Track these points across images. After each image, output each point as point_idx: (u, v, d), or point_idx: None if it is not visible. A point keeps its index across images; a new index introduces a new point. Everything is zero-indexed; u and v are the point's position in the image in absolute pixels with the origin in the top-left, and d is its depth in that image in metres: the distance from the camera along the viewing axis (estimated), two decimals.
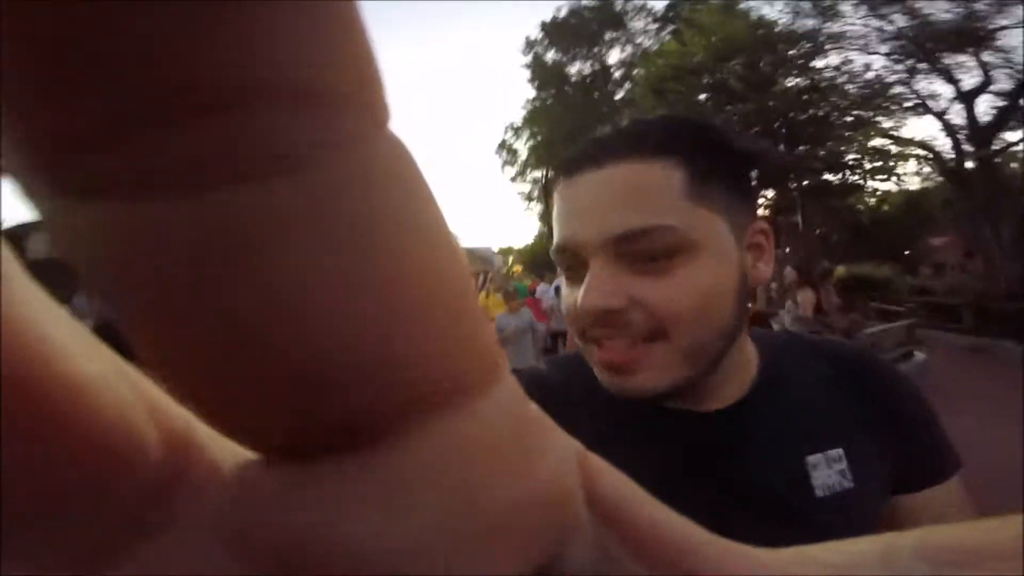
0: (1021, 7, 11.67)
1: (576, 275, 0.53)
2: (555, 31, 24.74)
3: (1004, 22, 12.39)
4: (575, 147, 0.55)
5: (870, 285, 13.73)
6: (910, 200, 20.34)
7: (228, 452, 0.11)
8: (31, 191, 0.08)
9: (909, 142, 14.27)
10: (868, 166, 14.56)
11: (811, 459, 0.54)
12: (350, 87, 0.08)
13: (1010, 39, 15.17)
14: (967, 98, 13.30)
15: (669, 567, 0.11)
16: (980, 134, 13.12)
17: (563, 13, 24.59)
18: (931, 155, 14.04)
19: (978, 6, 12.50)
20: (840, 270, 16.75)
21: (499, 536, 0.10)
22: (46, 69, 0.07)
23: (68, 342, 0.08)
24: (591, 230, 0.50)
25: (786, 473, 0.54)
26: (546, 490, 0.11)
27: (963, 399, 5.22)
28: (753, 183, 0.56)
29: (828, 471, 0.54)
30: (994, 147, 13.37)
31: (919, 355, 6.89)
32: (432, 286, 0.09)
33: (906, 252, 20.84)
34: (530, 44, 25.57)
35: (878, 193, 16.02)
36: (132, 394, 0.09)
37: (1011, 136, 13.48)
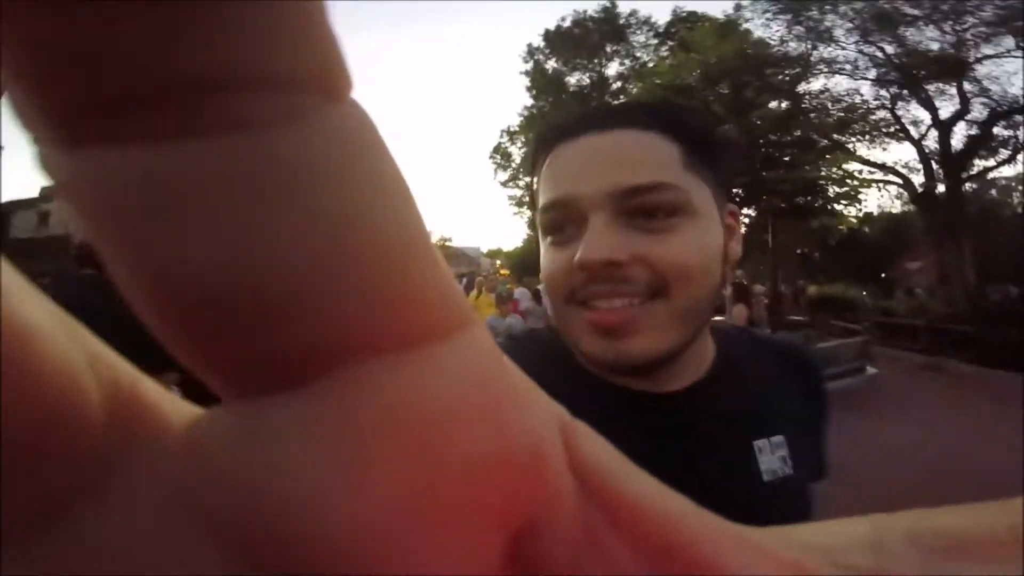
0: (1011, 37, 12.14)
1: (566, 235, 0.54)
2: (558, 40, 25.09)
3: (989, 51, 12.87)
4: (572, 114, 0.58)
5: (839, 304, 14.17)
6: (891, 224, 20.85)
7: (182, 411, 0.11)
8: (38, 143, 0.09)
9: (881, 167, 14.74)
10: (832, 191, 15.03)
11: (757, 444, 0.57)
12: (310, 69, 0.09)
13: (992, 68, 15.69)
14: (943, 126, 13.77)
15: (651, 540, 0.11)
16: (951, 162, 13.59)
17: (567, 23, 25.02)
18: (901, 181, 14.50)
19: (966, 35, 12.99)
20: (813, 289, 17.27)
21: (469, 495, 0.10)
22: (35, 54, 0.08)
23: (11, 289, 0.08)
24: (595, 184, 0.51)
25: (736, 456, 0.56)
26: (519, 446, 0.10)
27: (909, 410, 5.88)
28: (726, 170, 0.59)
29: (772, 456, 0.57)
30: (966, 174, 13.83)
31: (871, 370, 7.45)
32: (377, 231, 0.09)
33: (883, 275, 21.33)
34: (532, 52, 25.89)
35: (851, 216, 16.46)
36: (74, 348, 0.09)
37: (988, 163, 13.95)
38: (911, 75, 13.32)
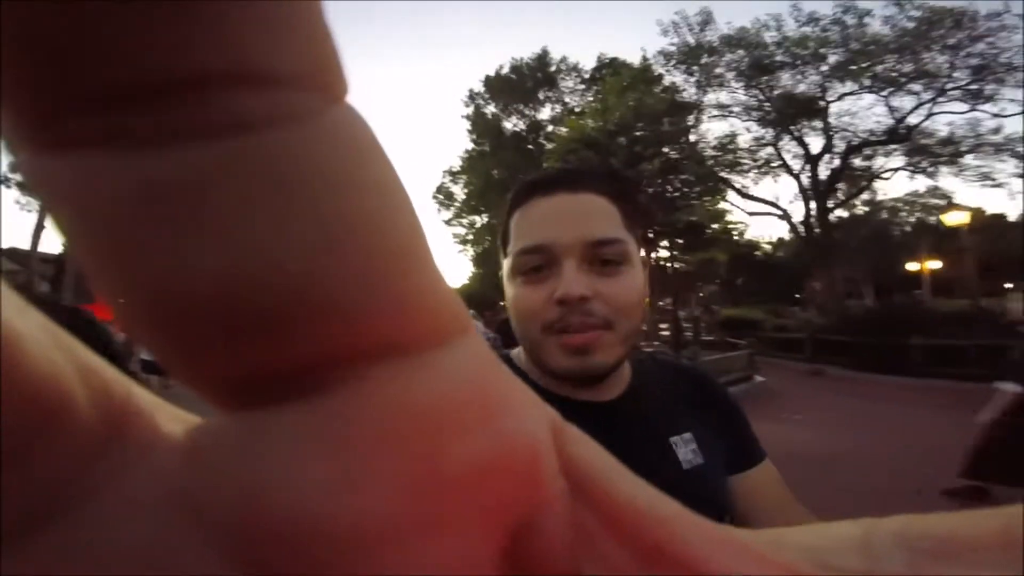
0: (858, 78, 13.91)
1: (541, 276, 0.67)
2: (496, 85, 26.71)
3: (843, 90, 14.63)
4: (546, 172, 0.75)
5: (743, 324, 15.62)
6: (798, 248, 22.58)
7: (179, 419, 0.11)
8: (8, 142, 0.08)
9: (762, 201, 16.38)
10: (710, 229, 16.57)
11: (672, 439, 0.72)
12: (306, 68, 0.09)
13: (850, 105, 17.53)
14: (812, 161, 15.50)
15: (643, 541, 0.11)
16: (819, 193, 15.28)
17: (505, 69, 26.70)
18: (780, 213, 16.13)
19: (815, 78, 14.81)
20: (724, 312, 18.74)
21: (465, 501, 0.10)
22: (26, 45, 0.08)
23: None
24: (572, 234, 0.66)
25: (659, 449, 0.71)
26: (515, 449, 0.10)
27: (790, 410, 7.08)
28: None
29: (685, 449, 0.72)
30: (832, 203, 15.53)
31: (758, 378, 8.81)
32: (377, 236, 0.09)
33: (796, 295, 22.97)
34: (472, 96, 27.53)
35: (745, 245, 18.06)
36: (61, 358, 0.09)
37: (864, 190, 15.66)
38: (783, 116, 15.07)
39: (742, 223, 17.20)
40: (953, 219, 13.47)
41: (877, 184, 16.25)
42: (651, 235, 14.99)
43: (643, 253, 0.73)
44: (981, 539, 0.10)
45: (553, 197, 0.69)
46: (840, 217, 17.51)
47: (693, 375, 0.85)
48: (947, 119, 14.79)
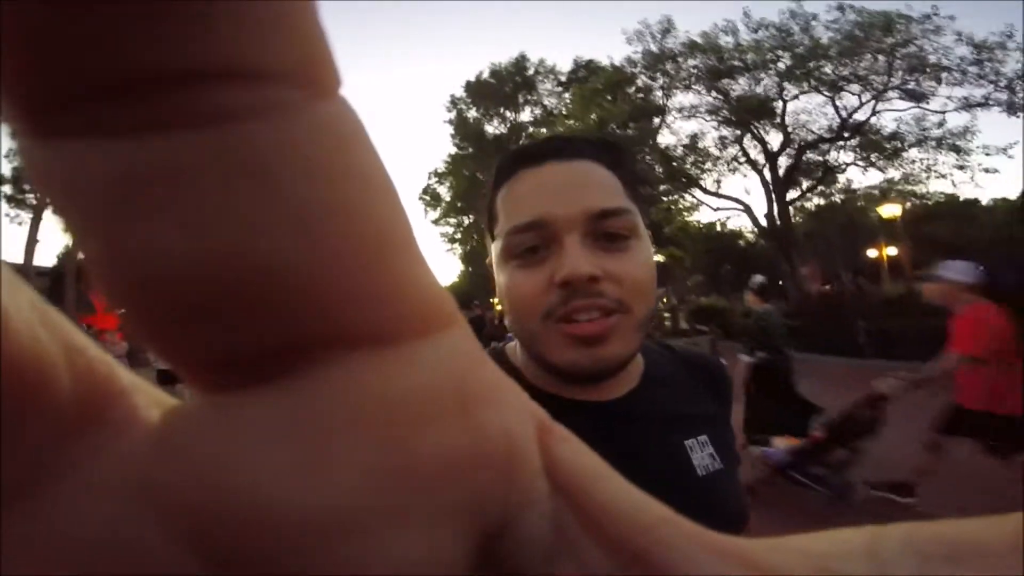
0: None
1: (538, 257, 0.58)
2: (476, 91, 27.39)
3: (795, 91, 15.47)
4: (532, 142, 0.65)
5: (713, 312, 16.51)
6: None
7: (157, 402, 0.11)
8: (15, 133, 0.09)
9: (728, 198, 17.25)
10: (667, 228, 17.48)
11: (688, 442, 0.63)
12: (293, 64, 0.09)
13: (806, 104, 18.34)
14: (771, 158, 16.36)
15: (624, 543, 0.11)
16: (778, 188, 16.15)
17: (486, 74, 27.41)
18: (743, 208, 17.01)
19: (769, 81, 15.65)
20: (702, 300, 19.63)
21: (436, 494, 0.10)
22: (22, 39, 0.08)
23: None
24: (570, 207, 0.56)
25: (673, 455, 0.61)
26: (492, 444, 0.10)
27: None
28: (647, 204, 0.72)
29: (701, 453, 0.62)
30: (790, 198, 16.40)
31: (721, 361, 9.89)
32: (360, 227, 0.09)
33: (779, 282, 23.88)
34: (455, 102, 28.20)
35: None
36: (47, 335, 0.09)
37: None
38: (741, 116, 15.93)
39: (726, 216, 18.05)
40: (888, 211, 14.41)
41: (853, 175, 17.06)
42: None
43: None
44: (988, 543, 0.10)
45: (544, 167, 0.60)
46: (818, 206, 18.43)
47: (709, 367, 0.75)
48: (895, 115, 15.56)
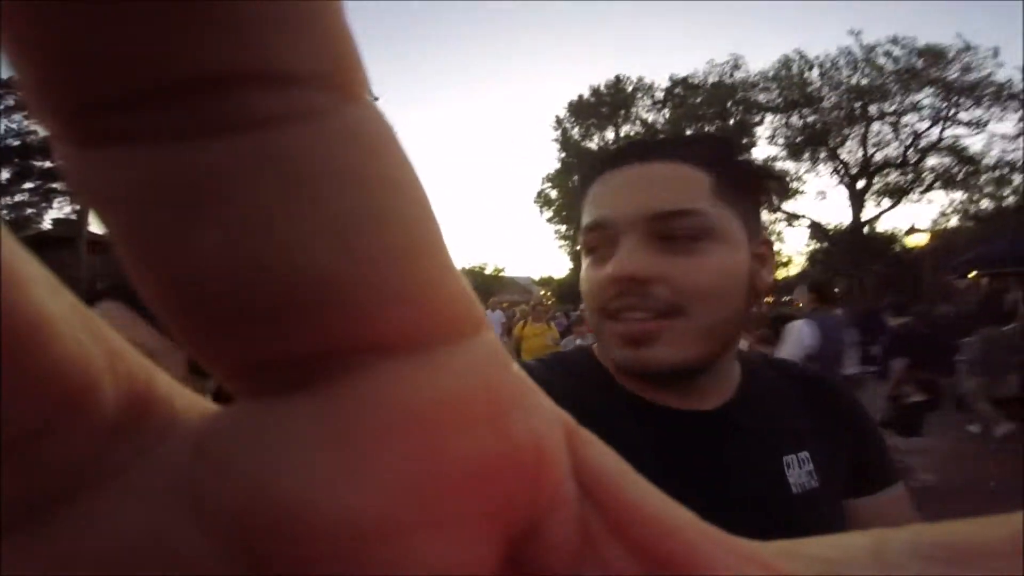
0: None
1: (603, 255, 0.60)
2: (578, 110, 29.99)
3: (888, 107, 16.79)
4: (620, 144, 0.84)
5: None
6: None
7: (196, 407, 0.11)
8: (52, 140, 0.09)
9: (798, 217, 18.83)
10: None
11: (786, 458, 0.60)
12: (322, 67, 0.09)
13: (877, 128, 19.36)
14: (852, 180, 17.81)
15: (648, 548, 0.11)
16: (855, 208, 17.62)
17: (587, 94, 29.89)
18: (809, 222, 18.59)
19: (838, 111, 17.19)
20: None
21: (469, 498, 0.10)
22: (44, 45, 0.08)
23: (28, 279, 0.08)
24: (629, 208, 0.58)
25: (766, 471, 0.59)
26: (521, 449, 0.10)
27: None
28: (763, 202, 0.65)
29: (799, 471, 0.60)
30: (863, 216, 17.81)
31: None
32: (395, 234, 0.09)
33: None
34: (559, 121, 31.00)
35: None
36: (90, 341, 0.09)
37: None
38: (815, 143, 17.58)
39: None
40: (913, 240, 15.70)
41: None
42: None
43: (745, 230, 0.61)
44: (993, 545, 0.10)
45: (622, 170, 0.61)
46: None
47: (819, 383, 0.72)
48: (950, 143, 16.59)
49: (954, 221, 17.62)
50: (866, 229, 17.84)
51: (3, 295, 0.08)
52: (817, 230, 18.38)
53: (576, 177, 28.49)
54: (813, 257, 18.17)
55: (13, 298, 0.08)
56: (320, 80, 0.09)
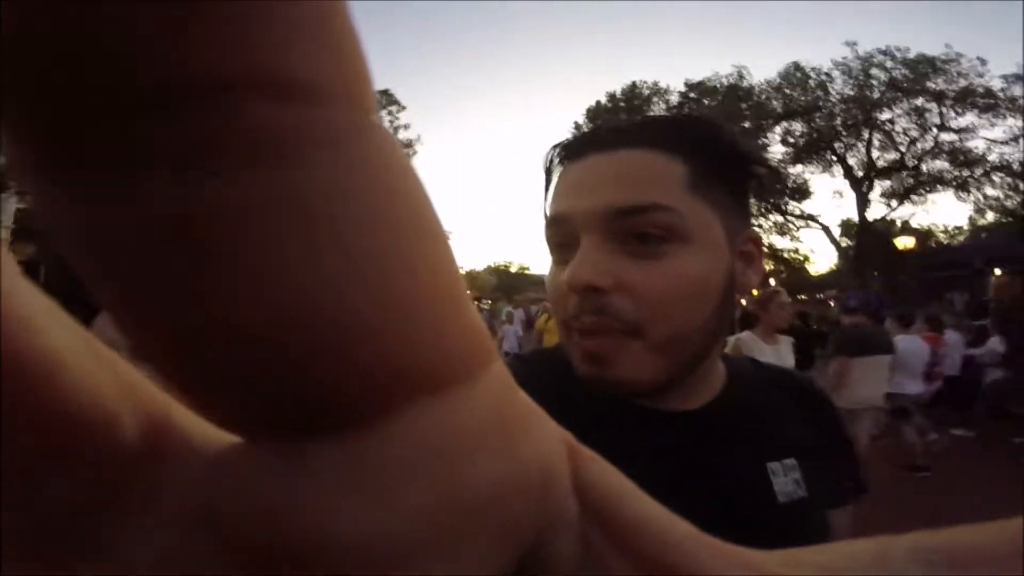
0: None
1: (565, 255, 0.52)
2: (596, 115, 30.81)
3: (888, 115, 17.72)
4: (580, 133, 0.57)
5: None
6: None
7: (210, 435, 0.11)
8: (19, 169, 0.08)
9: (810, 217, 19.65)
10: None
11: (771, 465, 0.56)
12: (338, 80, 0.08)
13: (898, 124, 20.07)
14: (858, 183, 18.63)
15: (649, 560, 0.11)
16: (860, 207, 18.42)
17: (604, 100, 30.83)
18: (823, 227, 19.39)
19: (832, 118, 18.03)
20: None
21: (482, 522, 0.10)
22: (33, 58, 0.07)
23: (36, 314, 0.08)
24: (588, 203, 0.50)
25: (750, 477, 0.55)
26: (529, 474, 0.11)
27: None
28: (750, 192, 0.57)
29: (785, 479, 0.56)
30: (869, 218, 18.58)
31: None
32: (417, 276, 0.09)
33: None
34: (577, 127, 31.93)
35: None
36: (102, 370, 0.09)
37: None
38: (821, 147, 18.41)
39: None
40: (903, 242, 16.23)
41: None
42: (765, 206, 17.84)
43: (725, 228, 0.52)
44: (994, 550, 0.10)
45: (581, 161, 0.54)
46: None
47: (803, 386, 0.68)
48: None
49: (990, 217, 18.21)
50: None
51: (4, 332, 0.07)
52: (829, 233, 19.13)
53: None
54: (846, 253, 18.91)
55: (17, 335, 0.08)
56: (337, 92, 0.08)
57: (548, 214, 0.55)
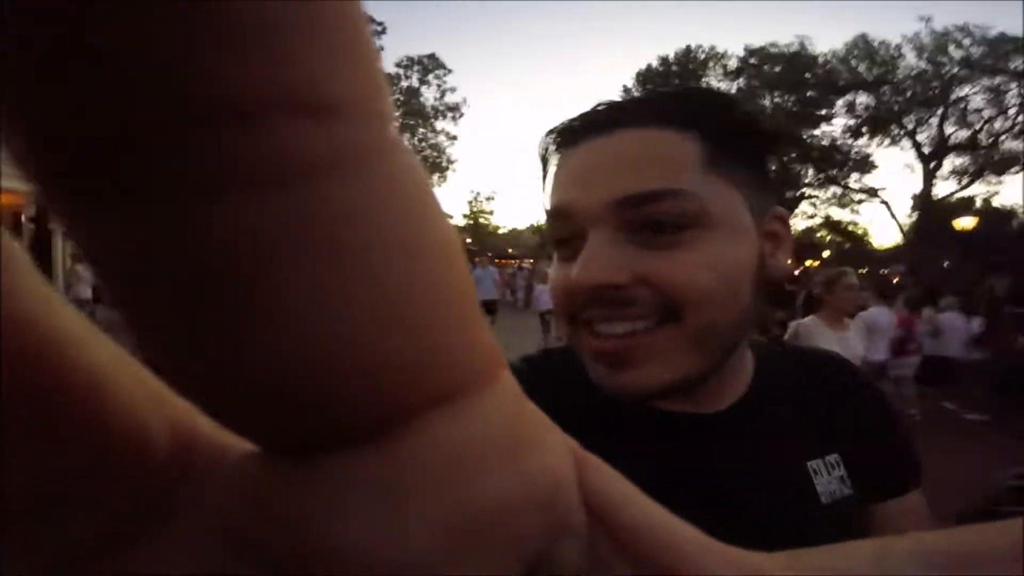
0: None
1: (569, 249, 0.47)
2: (646, 80, 30.26)
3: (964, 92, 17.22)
4: (580, 114, 0.49)
5: None
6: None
7: (232, 445, 0.11)
8: (51, 196, 0.08)
9: (871, 191, 19.30)
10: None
11: (812, 464, 0.51)
12: (362, 96, 0.08)
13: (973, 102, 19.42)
14: (926, 160, 18.20)
15: (652, 563, 0.11)
16: (926, 184, 18.05)
17: (655, 64, 30.16)
18: (882, 201, 19.06)
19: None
20: None
21: (493, 533, 0.10)
22: (65, 78, 0.07)
23: (77, 332, 0.09)
24: (594, 194, 0.44)
25: (789, 481, 0.50)
26: (538, 486, 0.11)
27: None
28: (773, 166, 0.79)
29: (828, 477, 0.51)
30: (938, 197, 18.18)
31: None
32: (434, 294, 0.09)
33: None
34: (626, 91, 31.45)
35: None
36: (137, 384, 0.09)
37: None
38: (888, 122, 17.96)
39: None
40: (961, 223, 15.59)
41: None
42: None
43: (750, 207, 0.47)
44: (992, 552, 0.11)
45: (582, 145, 0.47)
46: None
47: (842, 370, 0.60)
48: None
49: None
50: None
51: (60, 352, 0.08)
52: (889, 208, 18.84)
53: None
54: (914, 229, 18.66)
55: (72, 355, 0.08)
56: (360, 110, 0.08)
57: (548, 207, 0.49)
